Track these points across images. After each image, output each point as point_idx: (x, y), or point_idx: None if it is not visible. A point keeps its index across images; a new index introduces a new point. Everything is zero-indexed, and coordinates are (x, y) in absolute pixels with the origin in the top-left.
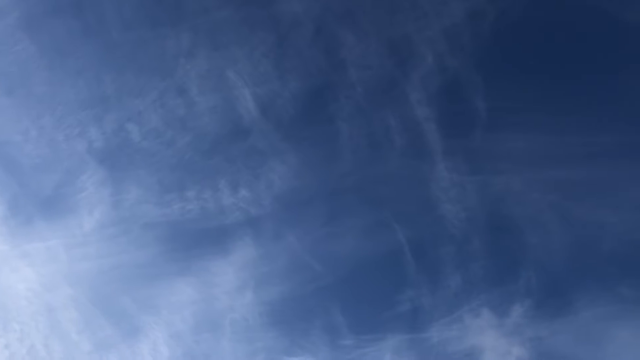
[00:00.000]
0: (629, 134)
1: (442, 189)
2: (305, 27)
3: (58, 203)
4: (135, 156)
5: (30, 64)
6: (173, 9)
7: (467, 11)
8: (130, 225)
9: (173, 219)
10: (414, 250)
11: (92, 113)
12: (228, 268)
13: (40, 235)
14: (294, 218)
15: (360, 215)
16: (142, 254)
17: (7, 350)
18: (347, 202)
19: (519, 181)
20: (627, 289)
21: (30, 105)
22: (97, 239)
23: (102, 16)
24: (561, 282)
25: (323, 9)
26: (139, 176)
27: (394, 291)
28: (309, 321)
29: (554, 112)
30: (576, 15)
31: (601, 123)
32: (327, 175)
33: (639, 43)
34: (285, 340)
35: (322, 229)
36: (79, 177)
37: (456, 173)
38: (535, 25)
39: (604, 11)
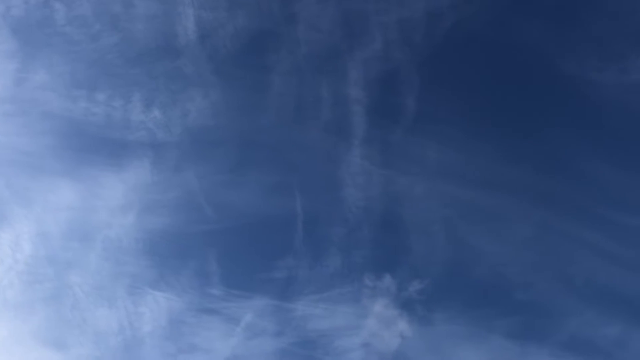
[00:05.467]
0: (531, 176)
1: (350, 173)
2: None
3: None
4: (54, 38)
5: None
6: None
7: (427, 10)
8: (29, 109)
9: (75, 117)
10: (307, 223)
11: None
12: (118, 184)
13: None
14: (199, 155)
15: (266, 173)
16: (33, 142)
17: None
18: (257, 157)
19: (421, 187)
20: (484, 315)
21: None
22: None
23: None
24: (428, 293)
25: None
26: (52, 61)
27: (274, 256)
28: (184, 261)
29: (474, 133)
30: (522, 54)
31: (513, 158)
32: (245, 123)
33: (569, 95)
34: (154, 273)
35: (224, 175)
36: None
37: (368, 162)
38: (488, 45)
39: (546, 57)
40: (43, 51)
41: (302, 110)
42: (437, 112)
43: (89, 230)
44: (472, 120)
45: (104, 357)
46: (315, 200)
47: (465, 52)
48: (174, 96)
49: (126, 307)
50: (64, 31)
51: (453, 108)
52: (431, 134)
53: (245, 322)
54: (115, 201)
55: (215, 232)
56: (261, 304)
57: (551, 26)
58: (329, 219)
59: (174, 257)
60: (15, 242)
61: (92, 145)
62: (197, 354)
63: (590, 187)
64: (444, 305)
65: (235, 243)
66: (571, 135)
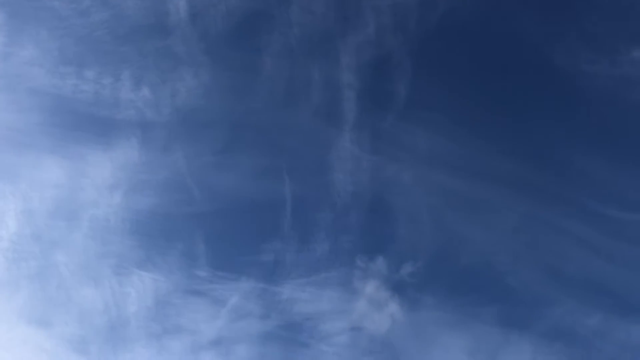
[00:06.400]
0: (519, 166)
1: (340, 158)
2: None
3: None
4: (42, 13)
5: None
6: None
7: None
8: (16, 84)
9: (63, 94)
10: (295, 207)
11: None
12: (106, 163)
13: None
14: (188, 136)
15: (255, 155)
16: (20, 118)
17: None
18: (246, 139)
19: (410, 174)
20: (467, 302)
21: None
22: None
23: None
24: (414, 280)
25: None
26: (40, 36)
27: (262, 239)
28: (171, 242)
29: (465, 123)
30: (514, 45)
31: (502, 149)
32: (235, 104)
33: (560, 86)
34: (141, 253)
35: (213, 156)
36: None
37: (358, 147)
38: (480, 34)
39: (538, 48)
40: (30, 25)
41: (293, 94)
42: (428, 100)
43: (75, 209)
44: (463, 109)
45: (89, 336)
46: (304, 184)
47: (458, 40)
48: (163, 75)
49: (112, 287)
50: (52, 6)
51: (444, 96)
52: (422, 121)
53: (231, 304)
54: (103, 180)
55: (202, 214)
56: (247, 286)
57: (544, 17)
58: (317, 203)
59: (161, 238)
60: (0, 219)
61: (80, 123)
62: (182, 335)
63: (577, 179)
64: (429, 292)
65: (223, 225)
66: (560, 126)
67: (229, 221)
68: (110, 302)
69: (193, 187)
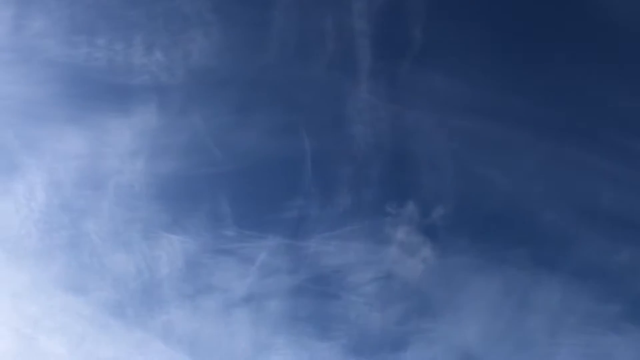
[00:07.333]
0: (542, 105)
1: (358, 109)
2: None
3: None
4: None
5: None
6: None
7: None
8: (30, 57)
9: (77, 63)
10: (315, 161)
11: None
12: (125, 130)
13: None
14: (204, 97)
15: (271, 112)
16: (37, 90)
17: None
18: (262, 96)
19: (429, 121)
20: (495, 246)
21: None
22: None
23: None
24: (439, 226)
25: None
26: (49, 6)
27: (284, 196)
28: (196, 204)
29: (483, 64)
30: None
31: (522, 88)
32: (248, 62)
33: (579, 19)
34: (168, 216)
35: (230, 116)
36: None
37: (375, 97)
38: None
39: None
40: None
41: (305, 46)
42: (444, 43)
43: (99, 178)
44: (480, 50)
45: (125, 300)
46: (322, 138)
47: None
48: (174, 37)
49: (142, 251)
50: None
51: (461, 38)
52: (439, 65)
53: (259, 261)
54: (124, 147)
55: (224, 174)
56: (274, 243)
57: None
58: (337, 158)
59: (186, 201)
60: (29, 192)
61: (96, 92)
62: (214, 294)
63: (604, 114)
64: (455, 239)
65: (245, 184)
66: (584, 61)
67: (250, 180)
68: (142, 266)
69: (213, 148)
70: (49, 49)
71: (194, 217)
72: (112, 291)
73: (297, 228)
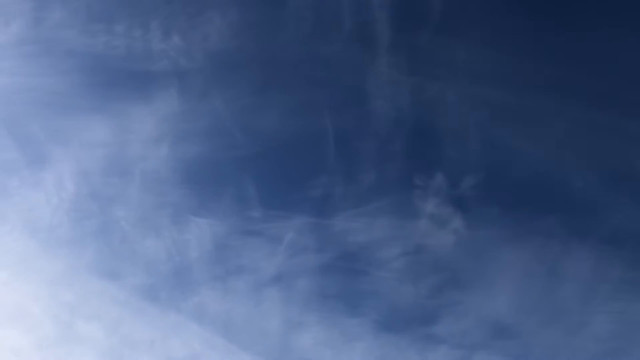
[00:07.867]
0: (571, 71)
1: (378, 83)
2: None
3: None
4: None
5: None
6: None
7: None
8: (52, 48)
9: (97, 52)
10: (337, 139)
11: None
12: (148, 117)
13: None
14: (224, 80)
15: (292, 92)
16: (60, 81)
17: None
18: (282, 76)
19: (452, 92)
20: (526, 215)
21: None
22: (13, 55)
23: None
24: (468, 196)
25: None
26: None
27: (308, 175)
28: (221, 186)
29: (505, 31)
30: None
31: (549, 53)
32: (266, 42)
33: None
34: (195, 200)
35: (250, 98)
36: None
37: (396, 70)
38: None
39: None
40: None
41: (323, 23)
42: (465, 11)
43: (126, 165)
44: (502, 17)
45: (157, 284)
46: (343, 115)
47: None
48: (192, 21)
49: (172, 236)
50: None
51: (481, 4)
52: (459, 35)
53: (287, 241)
54: (148, 133)
55: (247, 156)
56: (300, 222)
57: None
58: (359, 134)
59: (211, 184)
60: (58, 182)
61: (117, 79)
62: (244, 275)
63: (627, 77)
64: (484, 210)
65: (269, 165)
66: (606, 24)
67: (274, 160)
68: (172, 250)
69: (235, 131)
70: (69, 40)
71: (220, 200)
72: (144, 276)
73: (322, 206)
